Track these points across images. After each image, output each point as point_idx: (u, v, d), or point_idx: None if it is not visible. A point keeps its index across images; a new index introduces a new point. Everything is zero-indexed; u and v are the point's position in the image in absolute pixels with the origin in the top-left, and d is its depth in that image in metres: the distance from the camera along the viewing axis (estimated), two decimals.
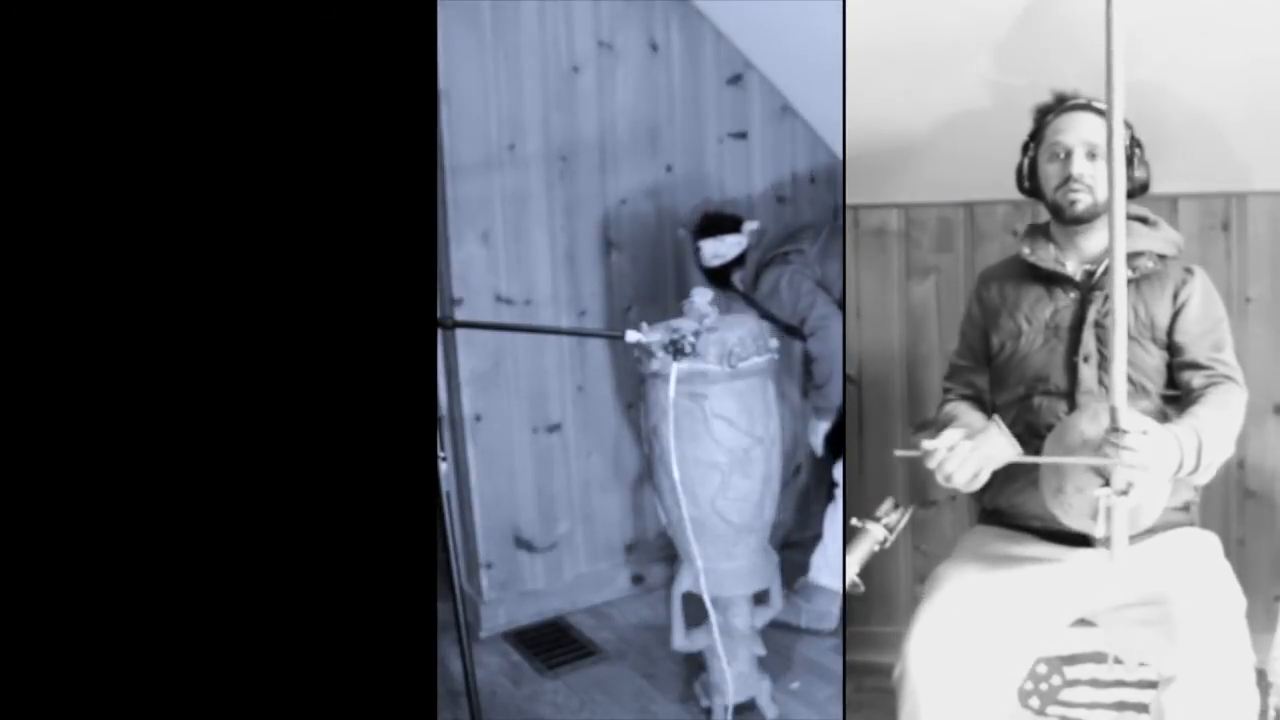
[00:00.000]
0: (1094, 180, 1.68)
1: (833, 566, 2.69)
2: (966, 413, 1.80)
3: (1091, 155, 1.69)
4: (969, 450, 1.58)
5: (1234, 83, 2.06)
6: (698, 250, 2.70)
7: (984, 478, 1.60)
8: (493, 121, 2.58)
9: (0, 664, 1.15)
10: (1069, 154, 1.70)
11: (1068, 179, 1.69)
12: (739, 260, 2.67)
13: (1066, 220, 1.72)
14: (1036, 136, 1.78)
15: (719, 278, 2.69)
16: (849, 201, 2.41)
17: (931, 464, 1.59)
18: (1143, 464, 1.47)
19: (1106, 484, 1.49)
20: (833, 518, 2.73)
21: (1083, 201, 1.69)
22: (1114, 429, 1.48)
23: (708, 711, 2.24)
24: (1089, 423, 1.57)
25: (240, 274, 1.20)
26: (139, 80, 1.17)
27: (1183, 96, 2.06)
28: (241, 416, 1.20)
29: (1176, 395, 1.70)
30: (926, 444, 1.59)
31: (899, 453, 1.62)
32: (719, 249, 2.66)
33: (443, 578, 1.69)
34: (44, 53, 1.15)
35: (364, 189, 1.23)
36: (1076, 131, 1.69)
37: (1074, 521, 1.57)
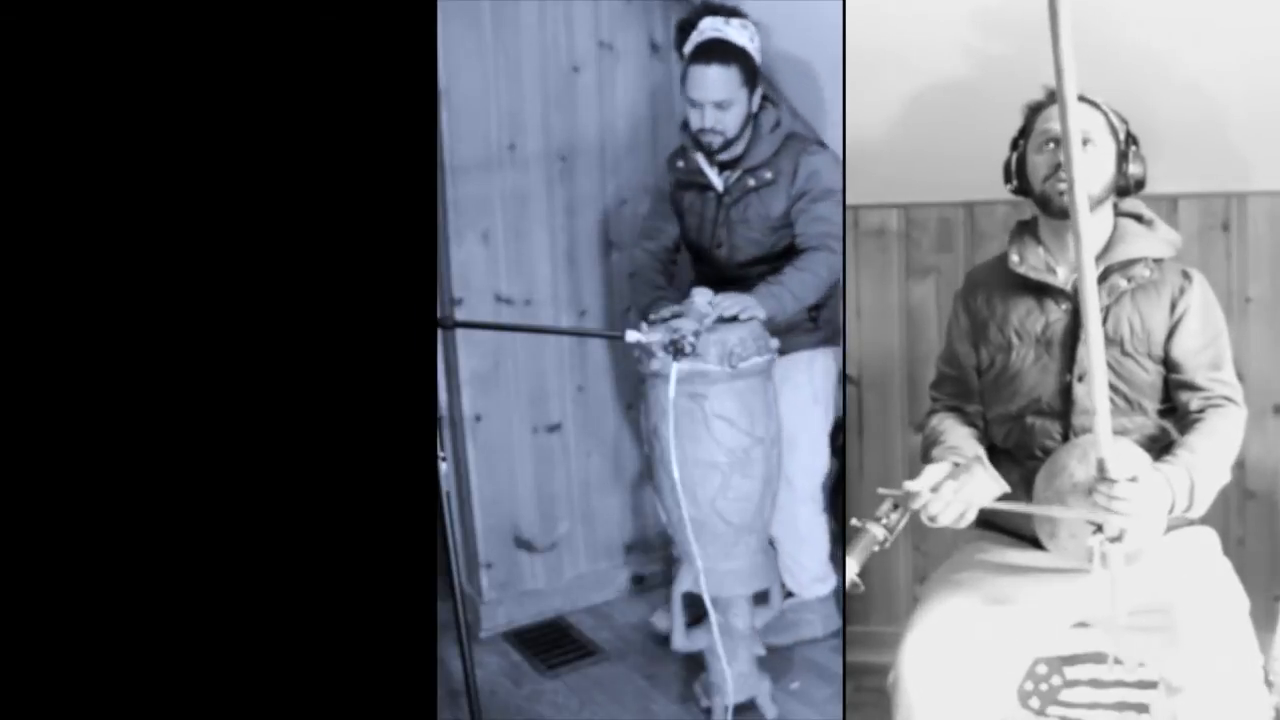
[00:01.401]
0: (1085, 169, 1.64)
1: (810, 575, 2.51)
2: (953, 429, 1.75)
3: (1083, 142, 1.59)
4: (953, 493, 1.54)
5: (1234, 82, 2.06)
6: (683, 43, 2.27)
7: (970, 517, 1.56)
8: (493, 121, 2.58)
9: (0, 664, 1.15)
10: (1057, 142, 1.63)
11: (1057, 167, 1.62)
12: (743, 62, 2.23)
13: (1055, 213, 1.65)
14: (1026, 132, 1.73)
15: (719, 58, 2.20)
16: (849, 201, 2.41)
17: (915, 505, 1.55)
18: (1134, 511, 1.44)
19: (1099, 530, 1.47)
20: (797, 516, 2.44)
21: None
22: (1102, 479, 1.46)
23: (708, 711, 2.24)
24: (1078, 464, 1.54)
25: (240, 274, 1.20)
26: (139, 80, 1.17)
27: (1182, 95, 2.06)
28: (242, 417, 1.20)
29: (1173, 409, 1.67)
30: (909, 485, 1.56)
31: (882, 490, 1.59)
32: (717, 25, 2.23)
33: (443, 578, 1.69)
34: (44, 53, 1.15)
35: (364, 189, 1.23)
36: None
37: (1069, 562, 1.56)
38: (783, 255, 2.32)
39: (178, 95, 1.18)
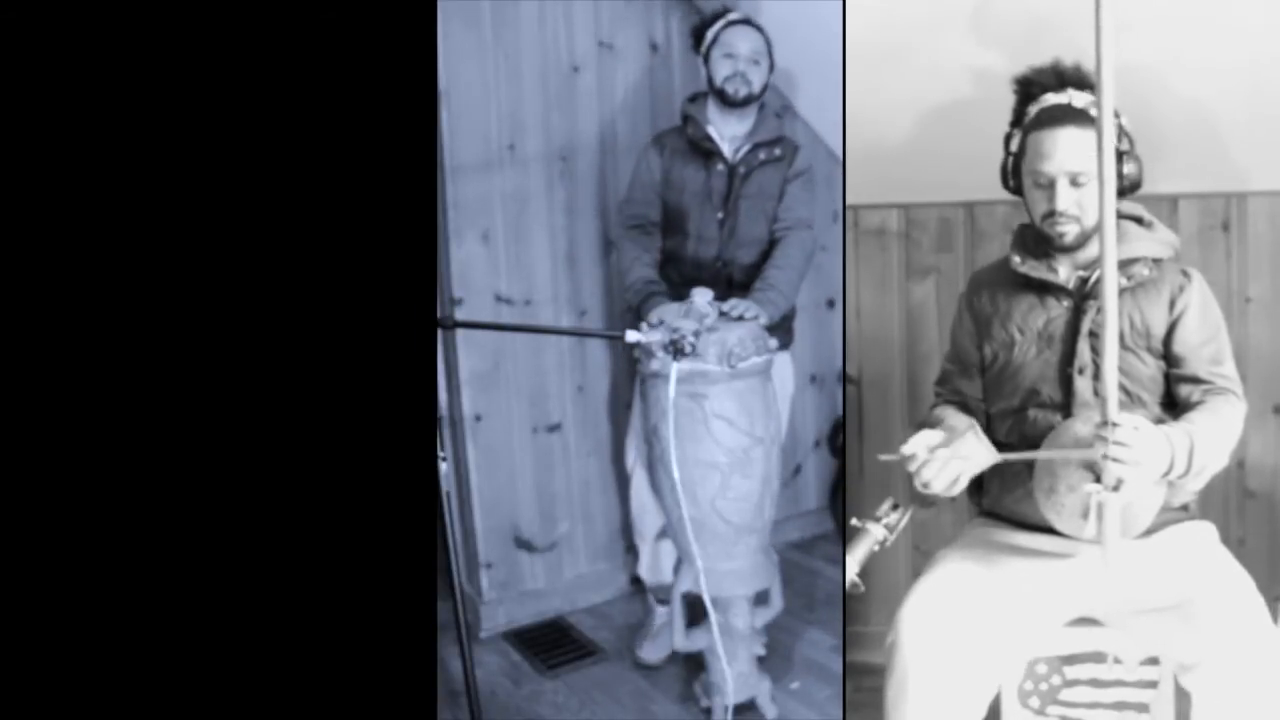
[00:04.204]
0: (1080, 209, 1.64)
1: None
2: (952, 416, 1.79)
3: (1075, 183, 1.63)
4: (946, 456, 1.58)
5: (1233, 82, 2.06)
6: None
7: (963, 483, 1.61)
8: (493, 121, 2.58)
9: (0, 664, 1.15)
10: (1052, 184, 1.65)
11: (1053, 213, 1.65)
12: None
13: (1055, 248, 1.70)
14: (1019, 122, 1.73)
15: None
16: (849, 201, 2.41)
17: (910, 468, 1.60)
18: (1133, 459, 1.46)
19: (1098, 481, 1.49)
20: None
21: (1070, 233, 1.66)
22: (1104, 422, 1.48)
23: (708, 711, 2.24)
24: (1083, 425, 1.57)
25: (241, 274, 1.20)
26: (140, 80, 1.17)
27: (1182, 95, 2.06)
28: (242, 417, 1.20)
29: (1174, 404, 1.69)
30: (905, 449, 1.60)
31: (883, 457, 1.63)
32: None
33: (443, 578, 1.69)
34: (44, 53, 1.15)
35: (364, 189, 1.23)
36: (1058, 158, 1.63)
37: (1066, 524, 1.57)
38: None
39: (178, 95, 1.18)
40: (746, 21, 2.34)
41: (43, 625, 1.16)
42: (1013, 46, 2.04)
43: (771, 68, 2.35)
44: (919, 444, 1.61)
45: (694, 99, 2.41)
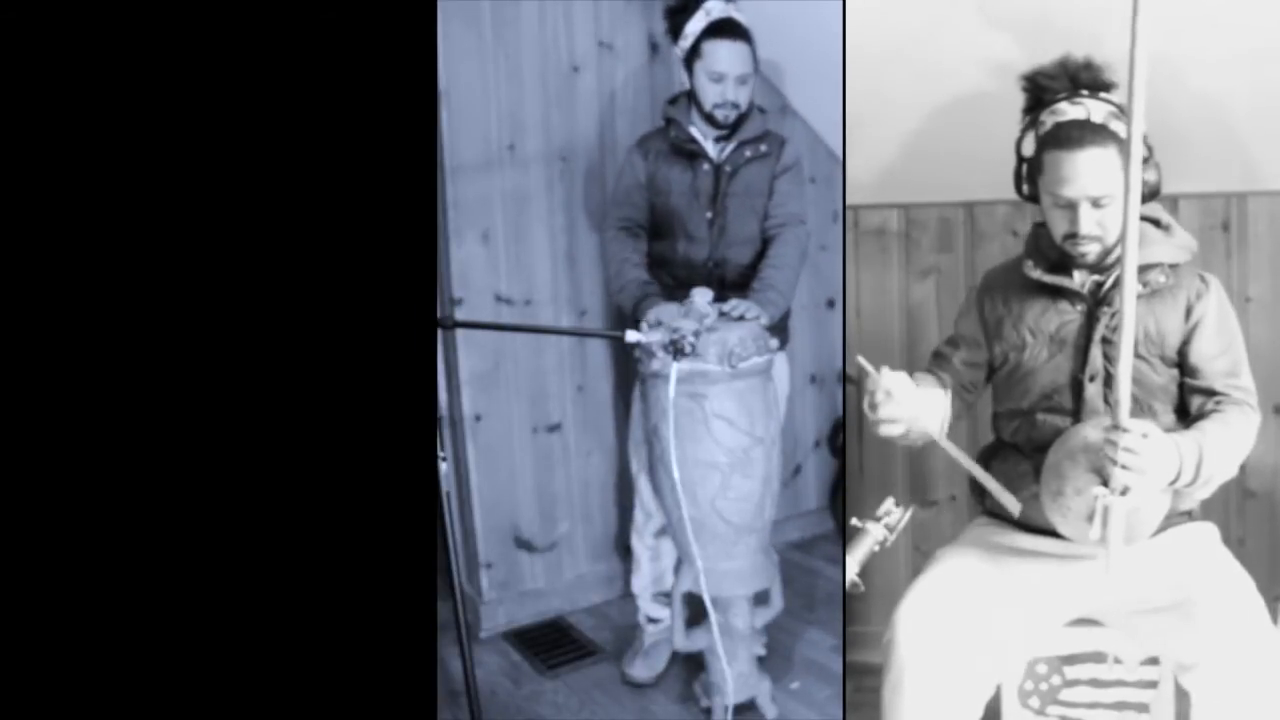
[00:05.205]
0: (1103, 229, 1.63)
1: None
2: (925, 381, 1.80)
3: (1097, 205, 1.61)
4: (906, 393, 1.60)
5: (1234, 82, 2.06)
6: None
7: (898, 430, 1.62)
8: (493, 121, 2.58)
9: (0, 664, 1.15)
10: (1073, 206, 1.62)
11: (1075, 235, 1.64)
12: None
13: (1076, 266, 1.69)
14: (1032, 127, 1.71)
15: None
16: (849, 201, 2.41)
17: (869, 387, 1.62)
18: (1140, 466, 1.46)
19: (1105, 485, 1.49)
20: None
21: (1093, 252, 1.65)
22: (1114, 427, 1.48)
23: (708, 711, 2.24)
24: (1092, 429, 1.57)
25: (241, 274, 1.20)
26: (139, 80, 1.17)
27: (1182, 95, 2.06)
28: (242, 417, 1.20)
29: (1186, 412, 1.68)
30: (878, 375, 1.61)
31: (860, 359, 1.65)
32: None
33: (443, 578, 1.69)
34: (44, 53, 1.15)
35: (364, 189, 1.23)
36: (1079, 183, 1.60)
37: (1071, 527, 1.56)
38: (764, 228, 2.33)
39: (178, 95, 1.18)
40: (731, 31, 2.22)
41: (44, 625, 1.16)
42: (1017, 40, 2.04)
43: (756, 68, 2.28)
44: (892, 381, 1.60)
45: (674, 100, 2.37)
